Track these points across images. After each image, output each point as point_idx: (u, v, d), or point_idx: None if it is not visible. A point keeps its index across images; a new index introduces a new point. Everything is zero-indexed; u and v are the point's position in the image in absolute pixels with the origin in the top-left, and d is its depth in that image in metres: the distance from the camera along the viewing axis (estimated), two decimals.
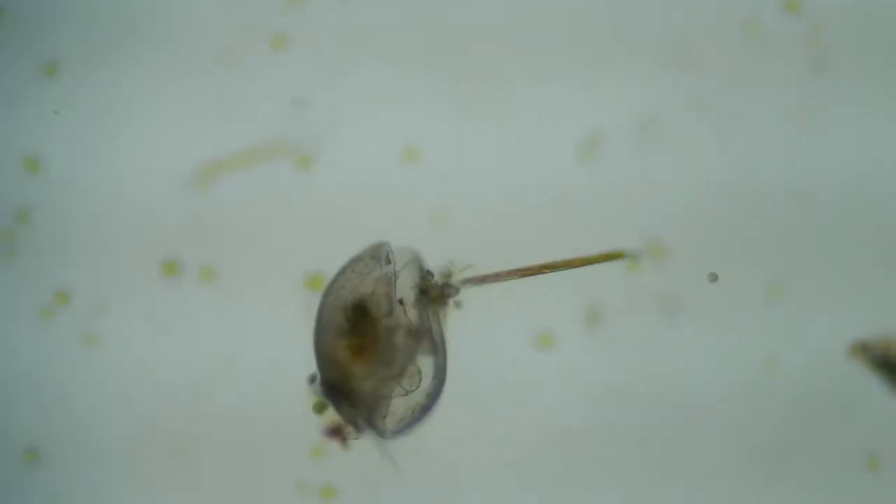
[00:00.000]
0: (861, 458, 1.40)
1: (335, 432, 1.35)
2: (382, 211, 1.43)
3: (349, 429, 1.35)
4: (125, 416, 1.42)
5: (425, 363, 1.33)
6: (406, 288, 1.34)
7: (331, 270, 1.41)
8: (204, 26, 1.44)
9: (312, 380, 1.34)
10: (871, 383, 1.40)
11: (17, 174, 1.44)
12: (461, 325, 1.36)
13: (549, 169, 1.43)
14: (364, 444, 1.36)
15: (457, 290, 1.35)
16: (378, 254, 1.34)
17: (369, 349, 1.32)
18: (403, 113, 1.44)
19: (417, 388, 1.33)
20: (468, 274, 1.35)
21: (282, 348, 1.41)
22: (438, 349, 1.33)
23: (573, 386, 1.41)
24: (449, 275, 1.36)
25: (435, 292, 1.35)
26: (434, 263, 1.41)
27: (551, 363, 1.41)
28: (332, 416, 1.35)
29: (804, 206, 1.42)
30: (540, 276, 1.37)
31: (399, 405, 1.33)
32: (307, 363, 1.40)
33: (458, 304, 1.35)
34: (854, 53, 1.43)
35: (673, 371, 1.41)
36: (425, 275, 1.35)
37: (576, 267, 1.38)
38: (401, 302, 1.33)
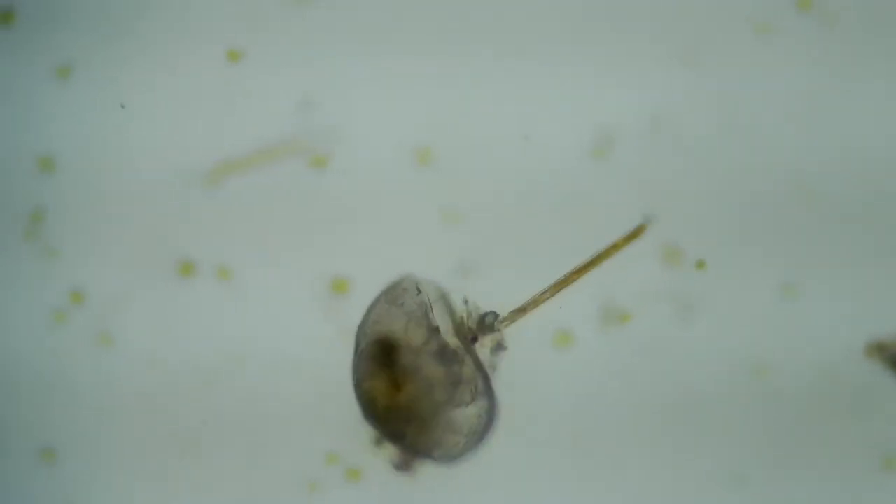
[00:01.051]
0: (876, 457, 1.39)
1: (404, 465, 1.36)
2: (395, 209, 1.43)
3: (414, 459, 1.35)
4: (140, 414, 1.43)
5: (474, 381, 1.34)
6: (439, 319, 1.34)
7: (346, 269, 1.42)
8: (217, 26, 1.45)
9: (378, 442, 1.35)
10: (887, 382, 1.40)
11: (32, 174, 1.44)
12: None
13: (561, 166, 1.42)
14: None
15: (493, 330, 1.36)
16: (404, 288, 1.35)
17: (411, 381, 1.32)
18: (416, 112, 1.43)
19: (472, 401, 1.33)
20: (508, 315, 1.37)
21: (296, 346, 1.41)
22: (481, 369, 1.34)
23: (590, 383, 1.41)
24: (486, 321, 1.36)
25: (472, 333, 1.36)
26: (448, 264, 1.41)
27: (569, 361, 1.41)
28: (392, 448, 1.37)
29: (818, 203, 1.41)
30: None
31: (458, 426, 1.33)
32: (322, 361, 1.41)
33: (500, 346, 1.36)
34: (865, 49, 1.42)
35: (686, 368, 1.40)
36: (459, 320, 1.36)
37: (603, 259, 1.38)
38: (437, 330, 1.33)
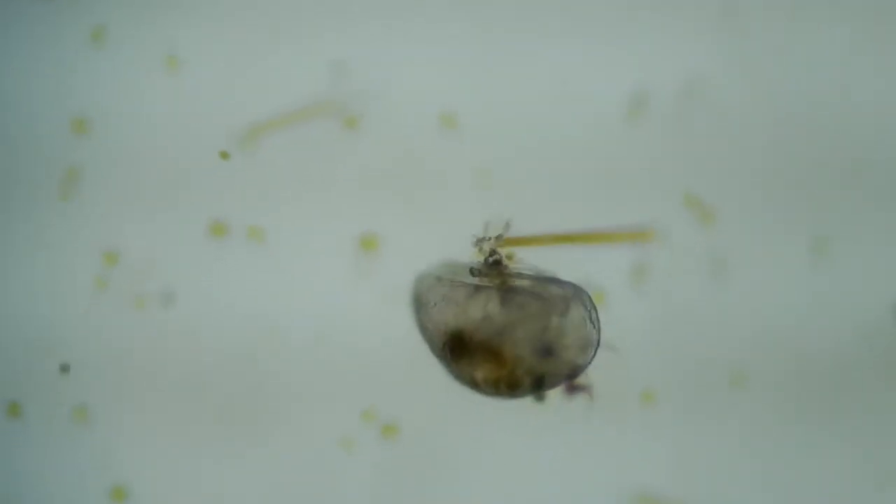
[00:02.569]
0: None
1: (574, 389, 1.35)
2: (427, 170, 1.43)
3: (578, 384, 1.35)
4: (173, 374, 1.43)
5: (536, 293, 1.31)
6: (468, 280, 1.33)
7: (379, 229, 1.42)
8: None
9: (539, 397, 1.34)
10: None
11: (65, 135, 1.44)
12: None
13: (593, 129, 1.43)
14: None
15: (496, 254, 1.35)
16: (421, 290, 1.34)
17: (502, 345, 1.31)
18: (449, 74, 1.44)
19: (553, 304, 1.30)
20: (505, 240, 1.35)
21: (328, 304, 1.42)
22: (527, 278, 1.32)
23: (621, 345, 1.42)
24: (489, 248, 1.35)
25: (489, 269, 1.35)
26: (479, 223, 1.41)
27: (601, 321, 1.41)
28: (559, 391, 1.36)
29: (852, 164, 1.42)
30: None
31: (567, 330, 1.30)
32: (354, 319, 1.41)
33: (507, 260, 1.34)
34: None
35: (716, 328, 1.41)
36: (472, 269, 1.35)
37: (600, 241, 1.38)
38: (477, 287, 1.32)
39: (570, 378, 1.31)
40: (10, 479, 1.43)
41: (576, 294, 1.31)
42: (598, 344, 1.31)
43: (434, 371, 1.40)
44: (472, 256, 1.36)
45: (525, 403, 1.37)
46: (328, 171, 1.44)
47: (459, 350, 1.30)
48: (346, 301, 1.43)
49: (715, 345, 1.41)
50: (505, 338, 1.30)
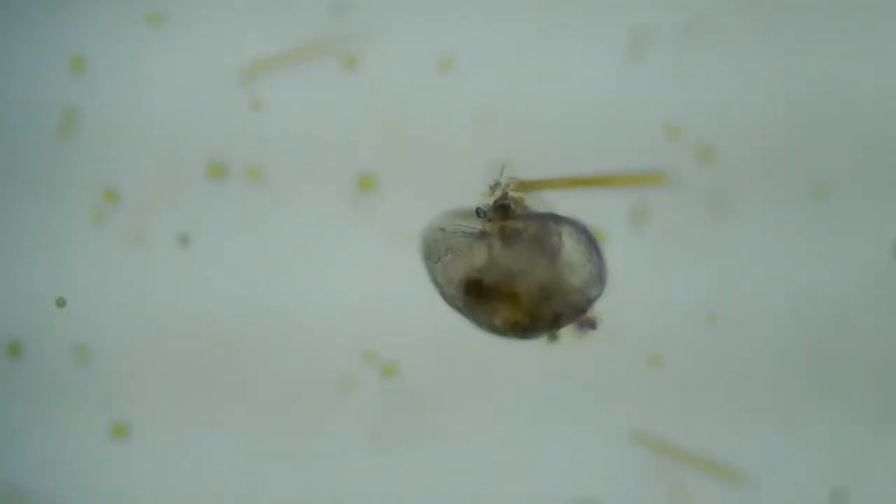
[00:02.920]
0: None
1: (588, 326, 1.36)
2: (427, 109, 1.43)
3: (587, 319, 1.35)
4: (173, 313, 1.43)
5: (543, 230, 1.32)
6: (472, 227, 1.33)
7: (379, 169, 1.42)
8: None
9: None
10: None
11: (63, 74, 1.44)
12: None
13: (594, 69, 1.42)
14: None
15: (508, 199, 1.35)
16: (429, 245, 1.34)
17: (516, 286, 1.31)
18: (450, 14, 1.43)
19: (560, 241, 1.30)
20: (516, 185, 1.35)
21: (328, 245, 1.42)
22: (534, 215, 1.32)
23: (619, 289, 1.42)
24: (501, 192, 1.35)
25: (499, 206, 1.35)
26: (480, 163, 1.41)
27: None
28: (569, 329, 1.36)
29: (851, 106, 1.41)
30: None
31: (576, 265, 1.31)
32: (354, 259, 1.41)
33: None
34: None
35: (717, 269, 1.41)
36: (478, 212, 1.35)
37: (614, 185, 1.38)
38: (483, 234, 1.32)
39: (580, 314, 1.32)
40: (11, 418, 1.44)
41: (579, 231, 1.31)
42: (604, 279, 1.32)
43: (434, 311, 1.40)
44: (474, 200, 1.36)
45: (525, 344, 1.37)
46: (327, 111, 1.43)
47: (473, 298, 1.31)
48: (346, 241, 1.42)
49: (713, 286, 1.41)
50: (515, 280, 1.30)
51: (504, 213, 1.33)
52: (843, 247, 1.41)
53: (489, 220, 1.32)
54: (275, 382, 1.43)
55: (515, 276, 1.30)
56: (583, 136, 1.42)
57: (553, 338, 1.34)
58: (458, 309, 1.33)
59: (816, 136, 1.42)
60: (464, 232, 1.32)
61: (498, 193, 1.33)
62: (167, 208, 1.44)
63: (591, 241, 1.31)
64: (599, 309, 1.34)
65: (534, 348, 1.39)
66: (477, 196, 1.37)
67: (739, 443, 1.42)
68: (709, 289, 1.41)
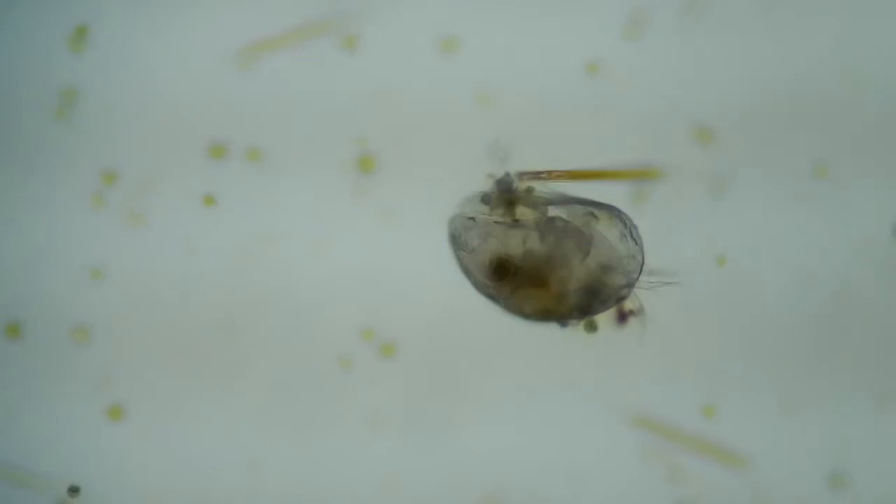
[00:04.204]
0: None
1: (623, 317, 1.36)
2: (427, 90, 1.43)
3: (627, 307, 1.35)
4: (172, 294, 1.43)
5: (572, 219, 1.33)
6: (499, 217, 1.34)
7: (378, 149, 1.42)
8: None
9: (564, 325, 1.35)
10: None
11: (62, 53, 1.44)
12: None
13: (593, 49, 1.42)
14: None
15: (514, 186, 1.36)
16: (458, 233, 1.34)
17: (549, 272, 1.31)
18: None
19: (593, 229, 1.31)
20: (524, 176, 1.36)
21: (327, 225, 1.42)
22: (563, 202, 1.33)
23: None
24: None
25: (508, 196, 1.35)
26: (480, 144, 1.41)
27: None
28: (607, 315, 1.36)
29: (851, 85, 1.41)
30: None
31: (610, 254, 1.32)
32: (353, 239, 1.41)
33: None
34: None
35: (717, 243, 1.41)
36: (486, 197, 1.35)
37: (611, 178, 1.38)
38: (517, 221, 1.33)
39: (619, 302, 1.33)
40: (11, 399, 1.44)
41: (615, 216, 1.32)
42: (642, 262, 1.33)
43: (433, 290, 1.40)
44: (474, 180, 1.36)
45: (527, 325, 1.37)
46: (327, 91, 1.43)
47: (508, 284, 1.31)
48: (344, 222, 1.42)
49: (713, 259, 1.41)
50: (548, 267, 1.31)
51: (509, 201, 1.34)
52: (842, 225, 1.41)
53: (495, 207, 1.33)
54: (274, 361, 1.43)
55: (549, 262, 1.31)
56: (582, 116, 1.42)
57: (591, 326, 1.35)
58: (491, 297, 1.33)
59: (816, 114, 1.41)
60: (495, 221, 1.32)
61: (502, 182, 1.34)
62: (167, 188, 1.44)
63: (628, 227, 1.32)
64: (638, 296, 1.35)
65: (535, 329, 1.39)
66: (477, 176, 1.38)
67: (738, 424, 1.42)
68: (707, 268, 1.41)
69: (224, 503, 1.43)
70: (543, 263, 1.31)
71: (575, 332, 1.37)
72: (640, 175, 1.40)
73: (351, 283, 1.42)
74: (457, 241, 1.33)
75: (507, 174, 1.34)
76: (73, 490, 1.42)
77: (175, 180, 1.44)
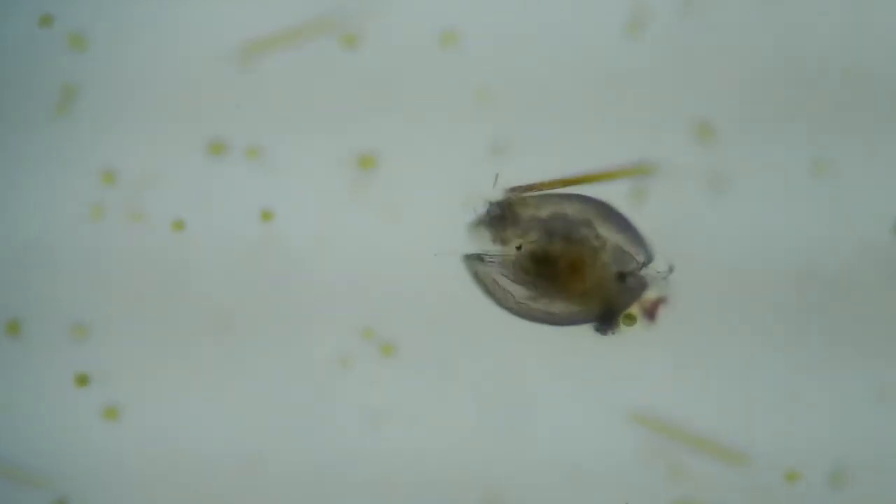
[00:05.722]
0: None
1: (652, 310, 1.37)
2: (427, 88, 1.43)
3: (655, 300, 1.36)
4: (172, 289, 1.43)
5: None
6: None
7: (377, 147, 1.42)
8: None
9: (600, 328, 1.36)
10: None
11: (63, 52, 1.44)
12: None
13: (594, 45, 1.42)
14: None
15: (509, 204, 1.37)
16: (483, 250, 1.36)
17: (578, 275, 1.33)
18: None
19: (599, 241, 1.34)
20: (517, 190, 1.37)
21: (327, 223, 1.42)
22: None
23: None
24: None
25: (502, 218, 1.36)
26: (480, 142, 1.41)
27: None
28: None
29: (851, 82, 1.41)
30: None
31: (625, 254, 1.34)
32: (353, 237, 1.41)
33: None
34: None
35: (717, 244, 1.41)
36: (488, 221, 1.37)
37: (602, 180, 1.39)
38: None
39: (638, 293, 1.34)
40: (10, 393, 1.43)
41: (607, 214, 1.33)
42: (649, 252, 1.34)
43: (432, 289, 1.40)
44: (473, 179, 1.37)
45: (523, 325, 1.38)
46: (326, 89, 1.43)
47: (547, 262, 1.33)
48: (345, 220, 1.42)
49: (713, 259, 1.41)
50: (564, 277, 1.33)
51: (503, 221, 1.35)
52: (843, 221, 1.41)
53: (493, 230, 1.35)
54: (274, 361, 1.43)
55: (563, 273, 1.33)
56: (582, 112, 1.42)
57: (630, 320, 1.36)
58: (534, 318, 1.36)
59: (816, 111, 1.42)
60: (501, 257, 1.34)
61: (495, 204, 1.35)
62: (166, 186, 1.44)
63: (622, 222, 1.34)
64: (660, 288, 1.36)
65: (535, 330, 1.39)
66: (476, 177, 1.38)
67: (739, 421, 1.42)
68: (706, 264, 1.41)
69: (222, 503, 1.43)
70: (559, 273, 1.33)
71: (589, 332, 1.38)
72: (632, 173, 1.40)
73: (351, 283, 1.42)
74: (480, 284, 1.35)
75: (494, 204, 1.36)
76: None
77: (175, 178, 1.44)
